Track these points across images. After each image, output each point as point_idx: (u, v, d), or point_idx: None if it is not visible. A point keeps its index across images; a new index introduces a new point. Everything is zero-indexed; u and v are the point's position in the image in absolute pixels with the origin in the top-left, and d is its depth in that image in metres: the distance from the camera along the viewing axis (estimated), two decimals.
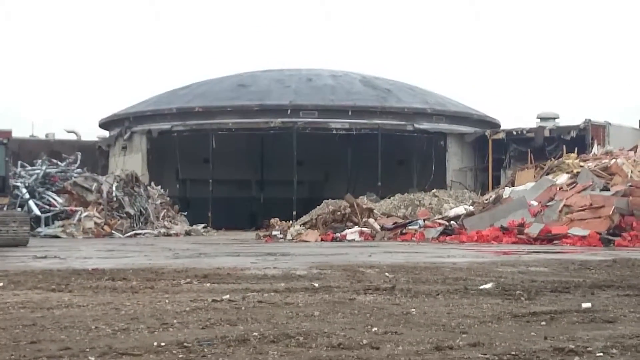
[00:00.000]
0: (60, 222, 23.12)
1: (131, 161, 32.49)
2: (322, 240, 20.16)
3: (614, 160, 21.60)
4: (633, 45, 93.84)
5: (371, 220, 21.58)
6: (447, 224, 20.46)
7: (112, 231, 23.01)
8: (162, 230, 24.38)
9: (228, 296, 6.71)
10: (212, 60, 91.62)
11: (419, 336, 4.80)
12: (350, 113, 32.08)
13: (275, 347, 4.44)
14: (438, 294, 6.99)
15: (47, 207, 23.67)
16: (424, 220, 21.18)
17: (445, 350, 4.40)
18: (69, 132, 39.41)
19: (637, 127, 31.89)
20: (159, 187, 27.78)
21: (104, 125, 37.26)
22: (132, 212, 24.24)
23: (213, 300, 6.45)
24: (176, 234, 24.25)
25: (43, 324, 5.24)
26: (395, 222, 21.62)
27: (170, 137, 32.91)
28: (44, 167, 25.54)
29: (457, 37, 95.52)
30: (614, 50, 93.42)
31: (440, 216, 21.87)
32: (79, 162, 26.89)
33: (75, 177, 25.04)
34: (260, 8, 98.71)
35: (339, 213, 21.95)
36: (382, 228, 21.12)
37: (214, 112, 32.52)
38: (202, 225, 27.38)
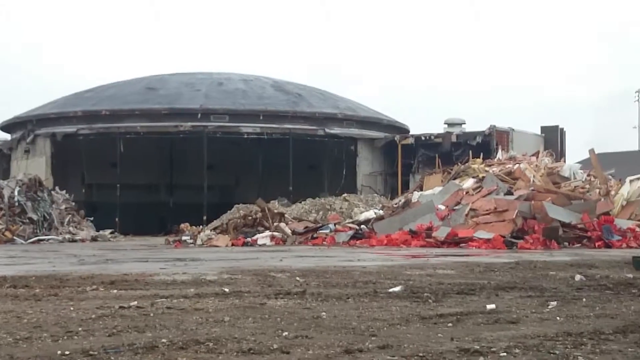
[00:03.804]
0: None
1: (34, 165, 31.56)
2: (233, 245, 20.03)
3: (517, 165, 22.32)
4: (534, 55, 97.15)
5: (282, 224, 21.59)
6: (357, 228, 20.67)
7: (14, 237, 22.25)
8: (67, 236, 23.75)
9: (136, 302, 6.58)
10: (118, 63, 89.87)
11: (329, 340, 4.83)
12: (261, 117, 32.08)
13: (185, 354, 4.39)
14: (348, 298, 7.04)
15: None
16: (335, 225, 21.33)
17: (355, 353, 4.43)
18: None
19: (539, 133, 33.03)
20: (64, 191, 27.06)
21: (6, 127, 36.08)
22: (35, 217, 23.53)
23: (120, 307, 6.31)
24: (82, 240, 23.65)
25: None
26: (307, 227, 21.69)
27: (75, 141, 32.11)
28: None
29: (365, 42, 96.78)
30: (517, 59, 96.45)
31: (350, 220, 22.07)
32: None
33: None
34: (167, 11, 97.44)
35: (250, 218, 21.86)
36: (294, 232, 21.16)
37: (122, 115, 31.95)
38: (110, 230, 26.81)
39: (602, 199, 20.20)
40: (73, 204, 26.80)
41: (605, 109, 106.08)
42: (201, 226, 23.85)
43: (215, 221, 23.88)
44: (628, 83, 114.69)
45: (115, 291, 7.66)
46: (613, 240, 17.75)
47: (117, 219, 29.85)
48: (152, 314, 5.95)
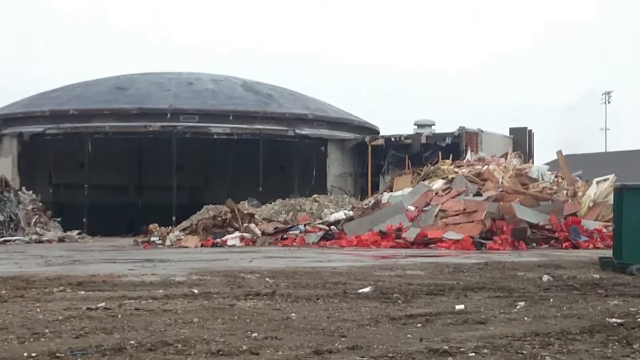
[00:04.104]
0: None
1: (0, 165, 31.11)
2: (202, 245, 19.92)
3: (486, 166, 22.49)
4: (504, 57, 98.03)
5: (252, 225, 21.53)
6: (327, 228, 20.69)
7: None
8: (34, 236, 23.44)
9: (104, 304, 6.52)
10: (86, 62, 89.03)
11: (299, 341, 4.82)
12: (231, 118, 31.96)
13: (153, 355, 4.35)
14: (318, 299, 7.04)
15: None
16: (305, 225, 21.33)
17: (325, 354, 4.43)
18: None
19: (508, 134, 33.32)
20: (31, 192, 26.73)
21: None
22: (1, 218, 23.20)
23: (88, 309, 6.25)
24: (49, 241, 23.36)
25: None
26: (277, 227, 21.66)
27: (43, 141, 31.73)
28: None
29: (336, 43, 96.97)
30: (486, 61, 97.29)
31: (320, 221, 22.08)
32: None
33: None
34: (139, 10, 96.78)
35: (219, 218, 21.76)
36: (263, 233, 21.12)
37: (90, 115, 31.64)
38: (77, 231, 26.51)
39: (570, 200, 20.44)
40: (40, 204, 26.47)
41: (573, 111, 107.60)
42: (170, 227, 23.67)
43: (184, 222, 23.72)
44: (595, 85, 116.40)
45: (82, 292, 7.58)
46: (580, 241, 17.97)
47: (84, 220, 29.55)
48: (120, 316, 5.90)
